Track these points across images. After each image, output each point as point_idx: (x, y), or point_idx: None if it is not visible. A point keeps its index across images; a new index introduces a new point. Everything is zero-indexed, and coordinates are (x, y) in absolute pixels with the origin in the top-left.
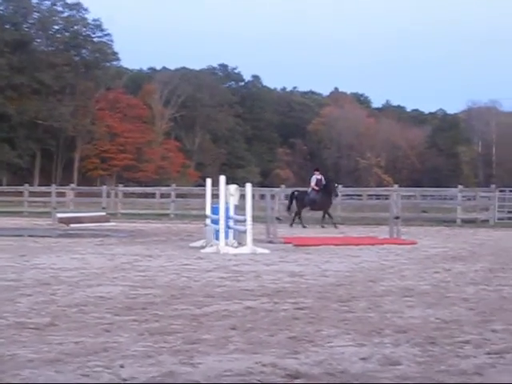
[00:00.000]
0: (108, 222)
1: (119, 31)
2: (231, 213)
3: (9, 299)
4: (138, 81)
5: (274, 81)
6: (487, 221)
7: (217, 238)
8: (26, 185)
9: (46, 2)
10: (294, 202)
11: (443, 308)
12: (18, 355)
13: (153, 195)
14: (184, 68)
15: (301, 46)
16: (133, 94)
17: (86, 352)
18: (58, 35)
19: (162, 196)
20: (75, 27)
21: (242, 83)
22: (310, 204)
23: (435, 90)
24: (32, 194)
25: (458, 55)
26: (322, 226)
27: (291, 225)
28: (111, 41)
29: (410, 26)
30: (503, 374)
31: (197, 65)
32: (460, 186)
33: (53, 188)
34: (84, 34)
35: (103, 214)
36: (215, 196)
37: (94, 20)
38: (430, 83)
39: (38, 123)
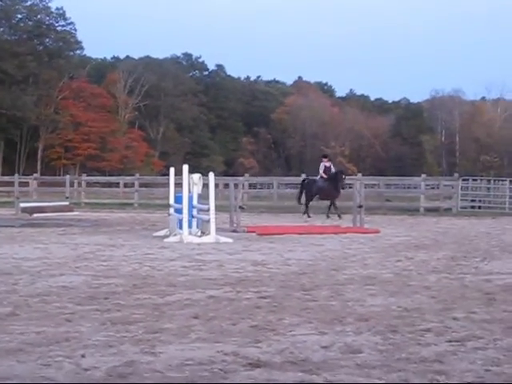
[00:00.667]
0: (71, 211)
1: (82, 20)
2: (195, 202)
3: None
4: (102, 70)
5: (237, 70)
6: (450, 209)
7: (180, 228)
8: None
9: None
10: (304, 191)
11: (405, 296)
12: None
13: (117, 185)
14: (148, 57)
15: (264, 35)
16: (97, 83)
17: (48, 342)
18: (21, 24)
19: (126, 185)
20: (38, 16)
21: (206, 72)
22: (318, 192)
23: (399, 79)
24: None
25: (421, 44)
26: (328, 216)
27: (308, 215)
28: (74, 29)
29: (372, 16)
30: (464, 362)
31: (161, 54)
32: (423, 175)
33: (16, 178)
34: (47, 22)
35: (66, 203)
36: (179, 185)
37: (57, 9)
38: (393, 72)
39: (1, 113)
